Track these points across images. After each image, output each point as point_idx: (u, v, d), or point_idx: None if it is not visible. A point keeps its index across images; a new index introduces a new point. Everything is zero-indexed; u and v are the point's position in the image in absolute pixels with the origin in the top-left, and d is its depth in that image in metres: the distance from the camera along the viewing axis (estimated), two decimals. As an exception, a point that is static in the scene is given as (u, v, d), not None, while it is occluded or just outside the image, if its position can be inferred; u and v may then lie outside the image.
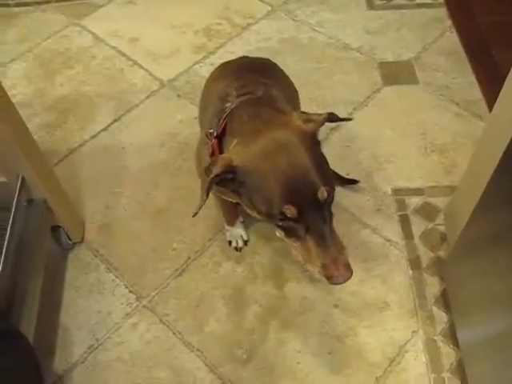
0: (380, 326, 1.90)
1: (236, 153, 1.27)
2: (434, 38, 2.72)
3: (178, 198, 2.20)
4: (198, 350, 1.86)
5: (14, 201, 1.70)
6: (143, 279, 2.01)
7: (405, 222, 2.14)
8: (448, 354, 1.83)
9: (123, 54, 2.71)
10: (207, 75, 1.91)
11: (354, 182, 2.20)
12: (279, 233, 1.30)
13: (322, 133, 2.28)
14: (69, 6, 2.97)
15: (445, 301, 1.94)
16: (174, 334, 1.89)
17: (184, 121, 2.41)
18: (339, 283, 1.23)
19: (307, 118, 1.31)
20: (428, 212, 2.16)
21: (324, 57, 2.66)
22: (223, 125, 1.49)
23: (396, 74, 2.59)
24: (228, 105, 1.54)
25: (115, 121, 2.45)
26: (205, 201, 1.30)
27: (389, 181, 2.24)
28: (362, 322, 1.90)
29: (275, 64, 1.93)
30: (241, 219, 2.04)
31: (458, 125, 2.36)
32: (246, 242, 2.07)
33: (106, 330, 1.90)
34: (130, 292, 1.99)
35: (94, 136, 2.41)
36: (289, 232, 1.26)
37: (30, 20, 2.92)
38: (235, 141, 1.37)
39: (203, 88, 1.89)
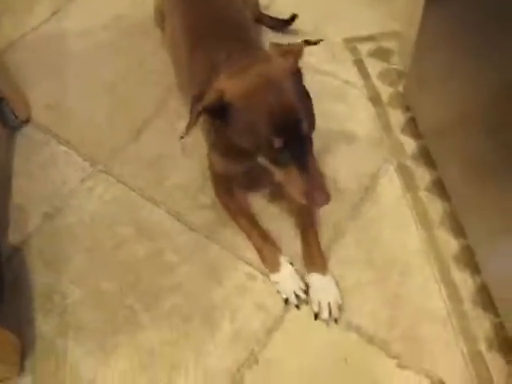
0: (350, 156, 1.67)
1: (226, 86, 1.18)
2: None
3: (128, 71, 1.91)
4: (161, 202, 1.59)
5: None
6: (97, 147, 1.73)
7: (360, 64, 1.90)
8: (421, 176, 1.61)
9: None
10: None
11: (292, 19, 1.94)
12: (264, 161, 1.25)
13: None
14: None
15: (411, 128, 1.71)
16: (133, 190, 1.62)
17: (129, 4, 2.11)
18: (320, 206, 1.24)
19: (285, 50, 1.24)
20: (382, 54, 1.93)
21: None
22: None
23: None
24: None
25: (54, 13, 2.13)
26: (192, 126, 1.20)
27: (338, 33, 1.99)
28: (332, 155, 1.66)
29: None
30: (286, 258, 1.44)
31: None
32: (306, 291, 1.40)
33: (62, 198, 1.62)
34: (84, 160, 1.70)
35: (34, 28, 2.08)
36: (275, 162, 1.22)
37: None
38: (221, 76, 1.24)
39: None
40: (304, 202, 1.21)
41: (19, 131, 1.77)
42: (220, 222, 1.54)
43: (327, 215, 1.52)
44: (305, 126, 1.17)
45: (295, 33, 1.98)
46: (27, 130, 1.78)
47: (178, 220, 1.55)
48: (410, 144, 1.68)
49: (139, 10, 2.04)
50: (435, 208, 1.54)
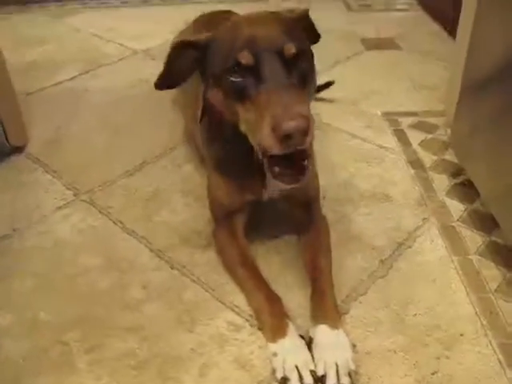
0: (381, 214, 1.33)
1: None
2: (412, 25, 2.42)
3: (140, 118, 1.72)
4: (143, 237, 1.26)
5: None
6: (86, 178, 1.47)
7: (400, 133, 1.64)
8: (472, 238, 1.24)
9: (99, 37, 2.36)
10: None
11: (329, 84, 1.76)
12: (239, 107, 0.95)
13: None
14: (52, 10, 2.69)
15: (459, 192, 1.38)
16: (114, 223, 1.30)
17: (154, 72, 1.99)
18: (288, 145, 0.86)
19: (291, 9, 1.08)
20: (425, 127, 1.67)
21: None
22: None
23: (378, 43, 2.24)
24: None
25: (81, 74, 2.03)
26: (166, 70, 1.07)
27: (378, 107, 1.77)
28: (357, 210, 1.33)
29: None
30: (292, 326, 0.99)
31: (446, 73, 1.91)
32: (318, 378, 0.92)
33: (29, 222, 1.32)
34: (68, 189, 1.43)
35: (57, 84, 1.97)
36: (243, 90, 0.93)
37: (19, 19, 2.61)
38: None
39: None
40: (265, 136, 0.86)
41: (7, 158, 1.55)
42: (210, 264, 1.18)
43: (346, 266, 1.15)
44: (288, 46, 0.93)
45: (329, 101, 1.78)
46: (17, 157, 1.56)
47: (158, 256, 1.20)
48: (457, 207, 1.33)
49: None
50: (491, 273, 1.14)
